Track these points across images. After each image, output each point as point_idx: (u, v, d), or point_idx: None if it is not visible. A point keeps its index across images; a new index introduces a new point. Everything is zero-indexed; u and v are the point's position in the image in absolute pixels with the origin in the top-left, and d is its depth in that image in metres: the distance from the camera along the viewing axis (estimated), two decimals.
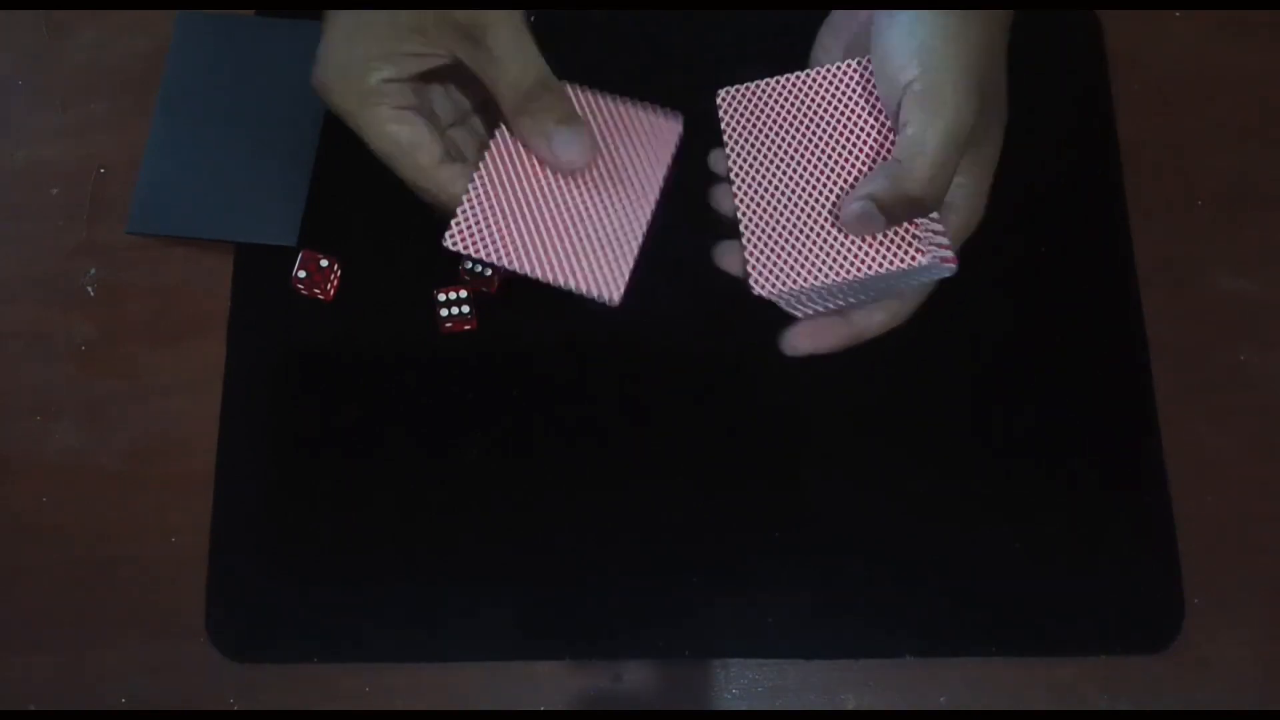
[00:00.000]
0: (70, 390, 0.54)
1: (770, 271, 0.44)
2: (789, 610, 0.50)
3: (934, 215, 0.43)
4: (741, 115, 0.47)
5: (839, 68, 0.45)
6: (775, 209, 0.45)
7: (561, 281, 0.45)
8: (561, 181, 0.46)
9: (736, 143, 0.46)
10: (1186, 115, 0.57)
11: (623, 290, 0.44)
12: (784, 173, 0.45)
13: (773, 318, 0.47)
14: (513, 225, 0.45)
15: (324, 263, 0.53)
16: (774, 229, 0.45)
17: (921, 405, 0.53)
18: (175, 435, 0.54)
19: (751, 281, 0.44)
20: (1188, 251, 0.55)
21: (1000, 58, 0.42)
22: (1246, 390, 0.53)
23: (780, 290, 0.44)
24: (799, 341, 0.46)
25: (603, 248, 0.45)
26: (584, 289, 0.45)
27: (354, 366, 0.54)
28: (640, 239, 0.45)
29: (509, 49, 0.43)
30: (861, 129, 0.44)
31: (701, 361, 0.53)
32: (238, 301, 0.55)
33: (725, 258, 0.46)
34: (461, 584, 0.51)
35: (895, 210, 0.41)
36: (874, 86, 0.44)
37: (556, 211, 0.46)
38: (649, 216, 0.46)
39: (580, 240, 0.45)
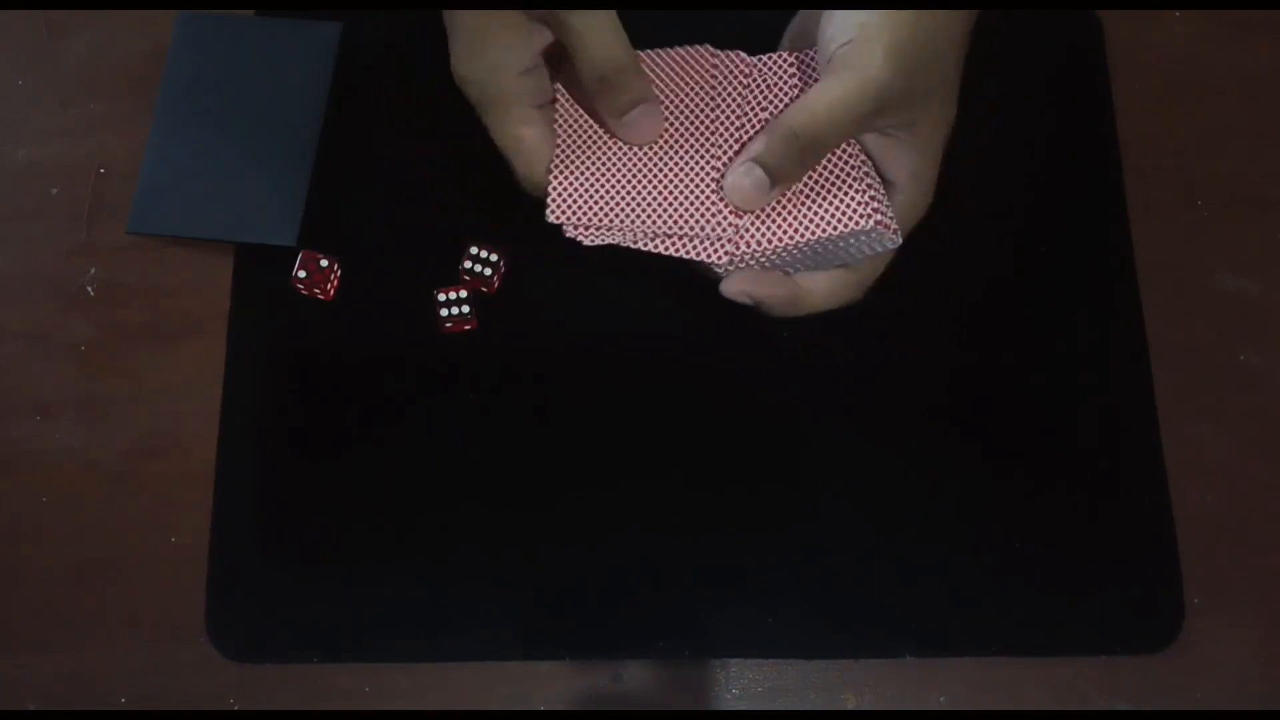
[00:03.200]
0: (70, 390, 0.54)
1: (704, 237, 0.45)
2: (789, 610, 0.50)
3: (876, 183, 0.43)
4: (676, 75, 0.48)
5: (784, 56, 0.46)
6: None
7: (665, 245, 0.46)
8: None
9: (666, 99, 0.47)
10: (1186, 115, 0.57)
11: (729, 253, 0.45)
12: (724, 145, 0.45)
13: (774, 318, 0.47)
14: (611, 188, 0.46)
15: (324, 263, 0.53)
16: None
17: (921, 405, 0.53)
18: (175, 435, 0.54)
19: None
20: (1188, 251, 0.55)
21: (953, 52, 0.43)
22: (1246, 390, 0.53)
23: (716, 254, 0.44)
24: (734, 283, 0.46)
25: (709, 206, 0.45)
26: (690, 253, 0.45)
27: (354, 366, 0.54)
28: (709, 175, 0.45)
29: (587, 27, 0.43)
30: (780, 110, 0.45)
31: (701, 361, 0.53)
32: (238, 301, 0.55)
33: (735, 284, 0.47)
34: (461, 584, 0.51)
35: (777, 162, 0.42)
36: (811, 73, 0.45)
37: (649, 168, 0.46)
38: (719, 155, 0.46)
39: (682, 196, 0.45)
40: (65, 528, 0.53)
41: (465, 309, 0.53)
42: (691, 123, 0.47)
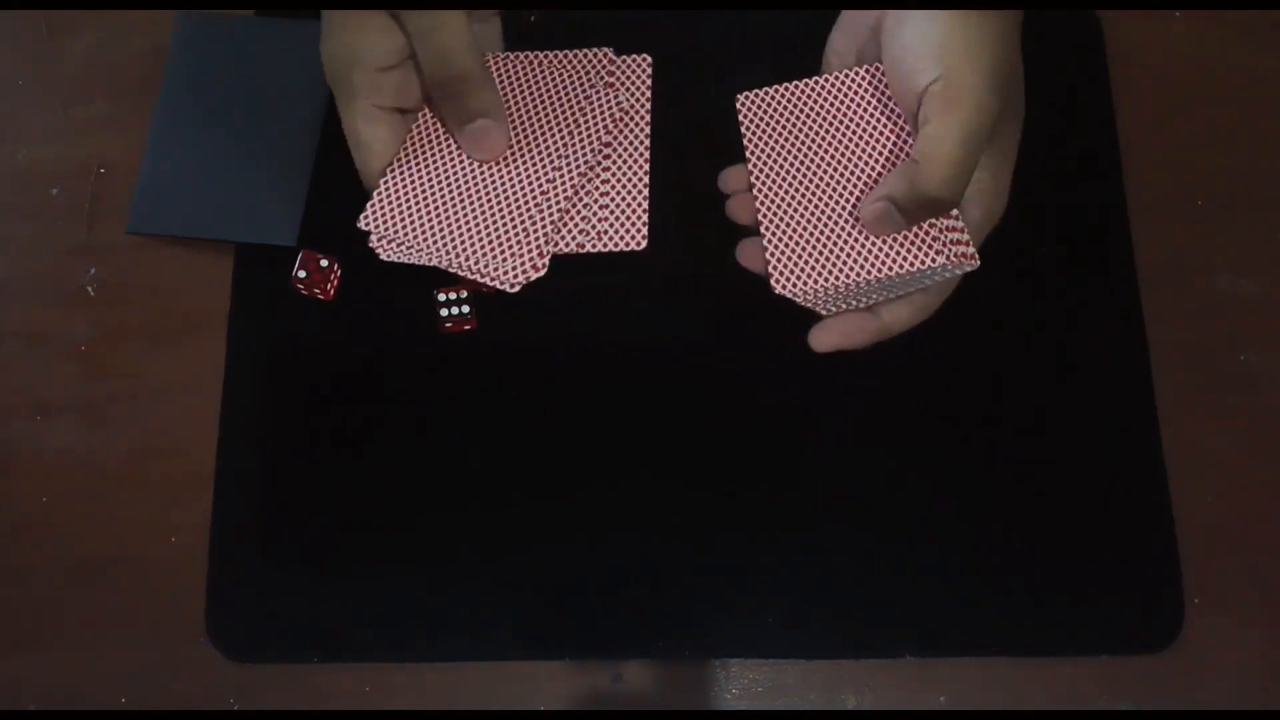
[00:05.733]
0: (70, 390, 0.54)
1: (791, 271, 0.44)
2: (789, 610, 0.50)
3: (954, 211, 0.43)
4: (760, 119, 0.47)
5: (854, 72, 0.46)
6: (795, 210, 0.45)
7: (464, 269, 0.45)
8: (478, 164, 0.47)
9: (756, 146, 0.47)
10: (1186, 115, 0.57)
11: (524, 277, 0.45)
12: (803, 175, 0.45)
13: (774, 318, 0.47)
14: (425, 206, 0.46)
15: (324, 263, 0.53)
16: (794, 229, 0.45)
17: (921, 405, 0.53)
18: (175, 435, 0.54)
19: (772, 281, 0.45)
20: (1188, 251, 0.55)
21: (1016, 54, 0.42)
22: (1247, 390, 0.53)
23: (802, 290, 0.44)
24: (827, 337, 0.46)
25: (510, 231, 0.45)
26: (486, 279, 0.45)
27: (354, 366, 0.54)
28: (545, 217, 0.45)
29: (424, 31, 0.42)
30: (879, 131, 0.44)
31: (702, 362, 0.53)
32: (238, 301, 0.55)
33: (746, 254, 0.46)
34: (461, 584, 0.51)
35: (913, 210, 0.41)
36: (888, 89, 0.44)
37: (472, 192, 0.46)
38: (563, 190, 0.46)
39: (491, 223, 0.45)
40: (65, 528, 0.53)
41: (465, 309, 0.53)
42: (545, 137, 0.46)
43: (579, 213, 0.46)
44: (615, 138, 0.47)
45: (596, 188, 0.47)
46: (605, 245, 0.46)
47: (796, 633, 0.50)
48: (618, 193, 0.47)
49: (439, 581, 0.51)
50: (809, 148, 0.46)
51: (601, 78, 0.48)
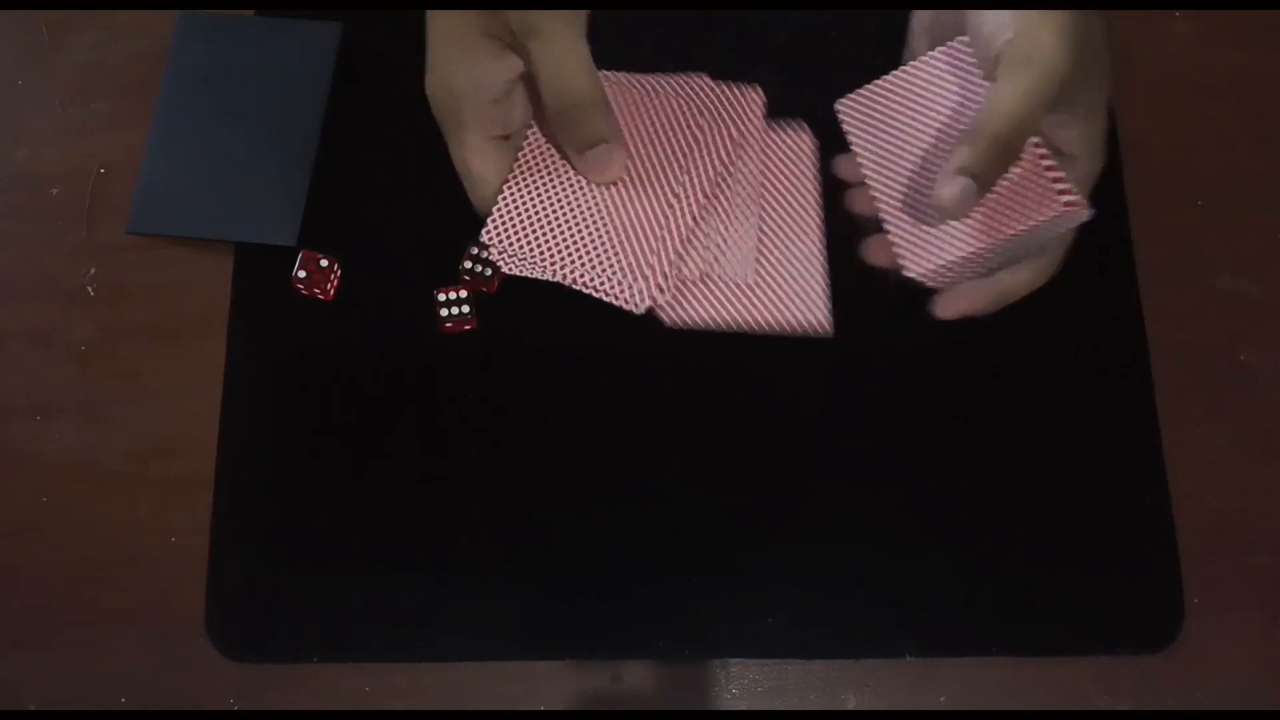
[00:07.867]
0: (70, 390, 0.54)
1: (920, 253, 0.45)
2: (789, 610, 0.50)
3: (1055, 164, 0.44)
4: (861, 119, 0.48)
5: (934, 55, 0.47)
6: (910, 196, 0.46)
7: (588, 287, 0.46)
8: (594, 185, 0.48)
9: (863, 145, 0.48)
10: (1186, 115, 0.57)
11: (650, 299, 0.46)
12: (910, 161, 0.46)
13: None
14: (546, 224, 0.47)
15: (324, 263, 0.53)
16: (913, 214, 0.46)
17: (921, 406, 0.53)
18: (175, 435, 0.54)
19: (903, 265, 0.46)
20: (1188, 251, 0.55)
21: (1097, 17, 0.43)
22: (1246, 390, 0.53)
23: (932, 268, 0.45)
24: (954, 303, 0.47)
25: (636, 249, 0.46)
26: (610, 298, 0.46)
27: (354, 366, 0.54)
28: (671, 241, 0.46)
29: (551, 59, 0.43)
30: (967, 104, 0.45)
31: (702, 361, 0.53)
32: (238, 301, 0.55)
33: (872, 251, 0.47)
34: (462, 584, 0.51)
35: (984, 168, 0.42)
36: (970, 64, 0.45)
37: (591, 212, 0.47)
38: (684, 217, 0.46)
39: (613, 242, 0.46)
40: (65, 528, 0.53)
41: (465, 309, 0.53)
42: (662, 163, 0.47)
43: (701, 240, 0.47)
44: (730, 167, 0.48)
45: (717, 217, 0.48)
46: (720, 273, 0.47)
47: (796, 633, 0.50)
48: (734, 225, 0.48)
49: (439, 581, 0.51)
50: (910, 134, 0.47)
51: (709, 105, 0.49)
